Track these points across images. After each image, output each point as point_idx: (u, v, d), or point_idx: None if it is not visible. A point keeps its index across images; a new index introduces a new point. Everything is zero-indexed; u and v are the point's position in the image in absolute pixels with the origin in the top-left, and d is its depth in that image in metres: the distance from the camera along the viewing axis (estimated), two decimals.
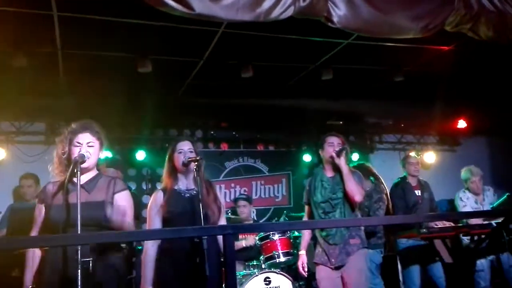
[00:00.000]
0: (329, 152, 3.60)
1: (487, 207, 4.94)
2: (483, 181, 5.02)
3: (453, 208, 5.28)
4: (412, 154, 5.14)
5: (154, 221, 2.91)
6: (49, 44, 4.24)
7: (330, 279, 3.51)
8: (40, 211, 2.61)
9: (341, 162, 3.52)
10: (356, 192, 3.48)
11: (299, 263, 3.76)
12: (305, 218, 3.87)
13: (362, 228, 3.63)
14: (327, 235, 3.53)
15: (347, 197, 3.52)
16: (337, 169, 3.59)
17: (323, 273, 3.55)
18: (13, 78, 4.73)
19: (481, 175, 4.99)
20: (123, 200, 2.67)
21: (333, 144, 3.62)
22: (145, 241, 2.90)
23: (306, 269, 3.74)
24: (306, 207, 3.80)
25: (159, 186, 3.14)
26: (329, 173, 3.65)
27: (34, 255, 2.55)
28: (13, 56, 4.19)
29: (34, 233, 2.59)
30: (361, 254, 3.51)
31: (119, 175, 4.60)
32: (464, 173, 5.05)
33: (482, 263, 4.69)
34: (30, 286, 2.49)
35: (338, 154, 3.54)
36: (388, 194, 5.04)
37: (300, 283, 4.92)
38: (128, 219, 2.63)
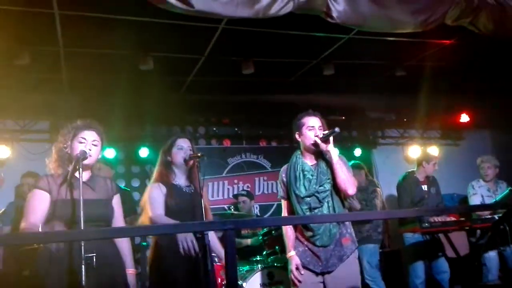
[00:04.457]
0: (311, 138, 2.93)
1: None
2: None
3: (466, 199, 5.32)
4: (434, 154, 5.17)
5: (158, 206, 2.90)
6: (52, 42, 4.26)
7: (311, 285, 2.87)
8: (44, 200, 2.48)
9: (330, 148, 2.87)
10: (350, 183, 2.86)
11: (293, 267, 2.90)
12: (284, 215, 3.13)
13: (351, 225, 3.03)
14: (313, 236, 2.86)
15: (336, 189, 2.91)
16: (319, 155, 2.98)
17: (302, 277, 2.88)
18: (17, 77, 4.78)
19: (494, 164, 5.03)
20: (118, 202, 2.74)
21: (313, 128, 2.95)
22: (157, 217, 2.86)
23: (302, 272, 2.89)
24: (284, 202, 3.10)
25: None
26: (310, 161, 3.00)
27: None
28: (17, 54, 4.21)
29: (33, 220, 2.42)
30: (355, 259, 2.93)
31: (111, 173, 4.69)
32: (478, 159, 5.12)
33: (490, 256, 4.71)
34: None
35: (326, 139, 2.88)
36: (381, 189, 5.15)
37: None
38: (122, 222, 2.73)
